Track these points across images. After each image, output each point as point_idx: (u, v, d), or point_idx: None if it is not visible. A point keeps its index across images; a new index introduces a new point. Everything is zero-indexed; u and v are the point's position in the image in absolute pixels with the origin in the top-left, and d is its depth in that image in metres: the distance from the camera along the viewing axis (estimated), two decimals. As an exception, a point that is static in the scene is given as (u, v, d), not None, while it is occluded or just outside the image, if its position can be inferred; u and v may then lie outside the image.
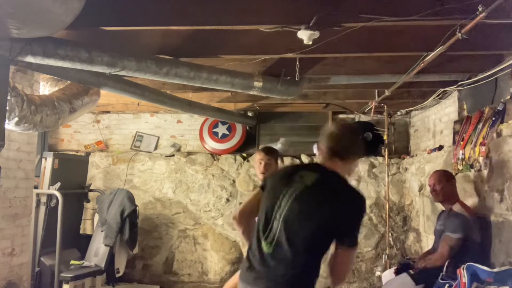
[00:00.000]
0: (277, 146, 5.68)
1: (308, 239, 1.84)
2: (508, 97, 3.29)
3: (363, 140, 2.11)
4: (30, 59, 2.73)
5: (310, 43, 2.72)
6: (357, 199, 1.92)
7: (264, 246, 1.89)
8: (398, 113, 5.72)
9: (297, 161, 5.74)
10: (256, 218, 2.07)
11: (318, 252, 1.88)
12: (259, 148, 3.21)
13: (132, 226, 4.91)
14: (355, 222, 1.89)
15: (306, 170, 2.01)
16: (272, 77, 3.71)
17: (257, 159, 3.29)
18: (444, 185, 3.53)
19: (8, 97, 3.01)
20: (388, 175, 5.30)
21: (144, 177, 5.91)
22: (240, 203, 1.93)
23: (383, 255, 5.40)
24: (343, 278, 1.98)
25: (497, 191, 3.23)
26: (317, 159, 2.11)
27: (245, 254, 2.09)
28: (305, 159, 5.78)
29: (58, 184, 4.57)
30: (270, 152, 3.31)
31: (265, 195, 2.04)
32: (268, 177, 2.20)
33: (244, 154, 5.91)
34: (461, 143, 3.78)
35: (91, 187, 5.47)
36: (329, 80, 3.94)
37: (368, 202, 5.69)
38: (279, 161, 3.34)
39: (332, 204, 1.87)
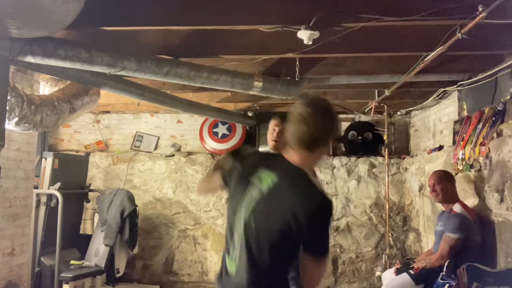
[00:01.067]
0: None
1: (272, 256, 1.62)
2: (508, 97, 3.29)
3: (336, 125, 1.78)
4: (30, 59, 2.73)
5: (310, 43, 2.72)
6: (322, 205, 1.62)
7: (228, 264, 1.71)
8: (398, 113, 5.72)
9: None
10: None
11: (284, 266, 1.67)
12: (274, 116, 3.15)
13: (132, 226, 4.91)
14: (320, 230, 1.62)
15: (267, 168, 1.71)
16: (272, 77, 3.71)
17: (272, 125, 3.09)
18: (444, 185, 3.53)
19: (8, 97, 3.01)
20: (388, 175, 5.30)
21: (144, 177, 5.91)
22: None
23: (383, 255, 5.40)
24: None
25: (497, 191, 3.22)
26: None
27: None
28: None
29: (58, 184, 4.57)
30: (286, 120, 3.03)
31: (229, 196, 1.82)
32: (230, 169, 1.89)
33: (244, 154, 5.90)
34: (461, 143, 3.78)
35: (91, 187, 5.47)
36: (329, 80, 3.94)
37: (368, 202, 5.70)
38: None
39: (293, 212, 1.57)
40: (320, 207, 1.61)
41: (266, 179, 1.68)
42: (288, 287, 1.69)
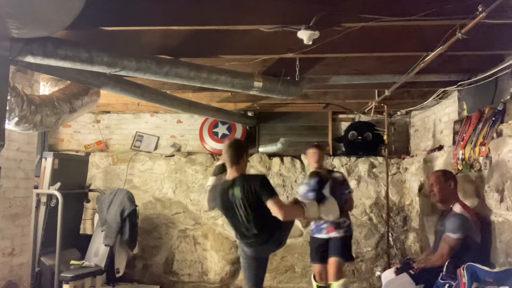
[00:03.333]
0: (277, 146, 5.68)
1: (257, 212, 3.21)
2: (508, 97, 3.30)
3: (245, 147, 3.45)
4: (30, 59, 2.72)
5: (310, 43, 2.72)
6: (259, 178, 3.28)
7: (248, 236, 3.31)
8: (398, 113, 5.72)
9: (297, 163, 5.76)
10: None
11: (265, 214, 3.17)
12: (312, 145, 4.36)
13: (132, 226, 4.91)
14: (265, 187, 3.20)
15: (232, 187, 3.25)
16: (272, 77, 3.71)
17: (311, 152, 4.25)
18: (441, 186, 3.52)
19: (8, 97, 3.01)
20: (388, 175, 5.30)
21: (144, 177, 5.91)
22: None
23: (383, 255, 5.40)
24: (285, 216, 3.12)
25: (497, 191, 3.22)
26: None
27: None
28: (305, 159, 5.78)
29: (58, 184, 4.58)
30: (320, 147, 4.30)
31: (223, 210, 3.39)
32: (211, 196, 3.46)
33: (244, 154, 5.91)
34: (461, 143, 3.78)
35: (91, 187, 5.47)
36: (329, 80, 3.94)
37: (368, 202, 5.71)
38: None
39: (251, 190, 3.17)
40: (263, 179, 3.27)
41: (236, 190, 3.23)
42: (275, 223, 3.22)
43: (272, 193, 3.19)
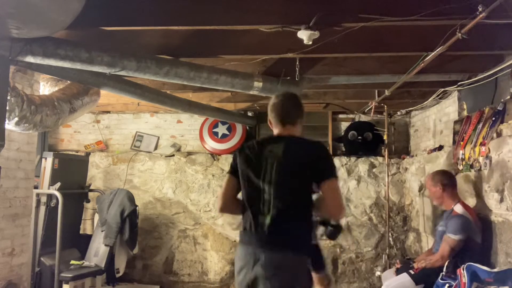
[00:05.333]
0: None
1: (297, 195, 2.17)
2: (508, 97, 3.29)
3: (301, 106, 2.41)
4: (30, 59, 2.73)
5: (310, 43, 2.72)
6: (317, 146, 2.28)
7: (261, 219, 2.15)
8: (398, 113, 5.72)
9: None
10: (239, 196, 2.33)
11: (307, 206, 2.18)
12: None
13: (132, 226, 4.91)
14: (326, 161, 2.20)
15: (272, 144, 2.26)
16: (272, 77, 3.70)
17: None
18: (431, 189, 3.55)
19: (8, 97, 3.01)
20: (388, 175, 5.30)
21: (144, 177, 5.91)
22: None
23: (383, 255, 5.40)
24: (339, 209, 2.18)
25: (497, 191, 3.22)
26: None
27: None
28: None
29: (58, 184, 4.57)
30: None
31: (244, 177, 2.26)
32: (234, 161, 2.34)
33: (244, 154, 5.90)
34: (461, 143, 3.78)
35: (91, 187, 5.47)
36: (329, 80, 3.94)
37: (368, 202, 5.70)
38: None
39: (302, 159, 2.18)
40: (321, 148, 2.29)
41: (277, 148, 2.21)
42: (308, 224, 2.19)
43: (336, 171, 2.20)
